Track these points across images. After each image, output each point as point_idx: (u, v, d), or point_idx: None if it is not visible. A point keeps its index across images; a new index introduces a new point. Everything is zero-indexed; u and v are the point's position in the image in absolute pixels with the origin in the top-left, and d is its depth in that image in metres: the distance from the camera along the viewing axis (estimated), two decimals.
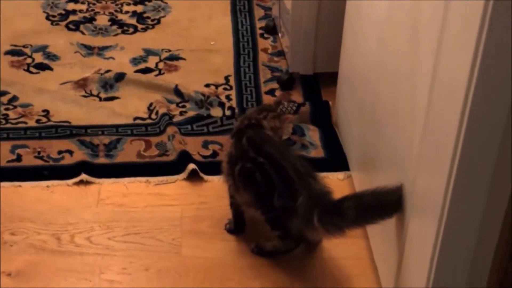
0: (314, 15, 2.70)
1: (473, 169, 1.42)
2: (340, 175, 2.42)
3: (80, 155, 2.49)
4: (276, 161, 2.02)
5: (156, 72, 2.93)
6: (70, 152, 2.50)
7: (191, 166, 2.41)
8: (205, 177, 2.41)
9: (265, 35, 3.17)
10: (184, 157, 2.46)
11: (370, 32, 2.10)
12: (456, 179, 1.43)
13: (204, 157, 2.51)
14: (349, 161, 2.43)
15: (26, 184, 2.38)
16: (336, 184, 2.35)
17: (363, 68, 2.22)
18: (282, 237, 2.08)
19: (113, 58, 3.01)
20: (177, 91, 2.80)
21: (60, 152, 2.50)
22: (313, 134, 2.60)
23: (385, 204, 1.82)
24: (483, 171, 1.43)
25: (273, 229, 2.08)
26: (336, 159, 2.48)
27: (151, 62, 2.99)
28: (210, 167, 2.44)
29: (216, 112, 2.72)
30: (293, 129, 2.60)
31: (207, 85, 2.85)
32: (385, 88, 1.97)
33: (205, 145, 2.56)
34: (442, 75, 1.48)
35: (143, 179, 2.42)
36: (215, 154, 2.52)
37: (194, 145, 2.55)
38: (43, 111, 2.70)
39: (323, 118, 2.67)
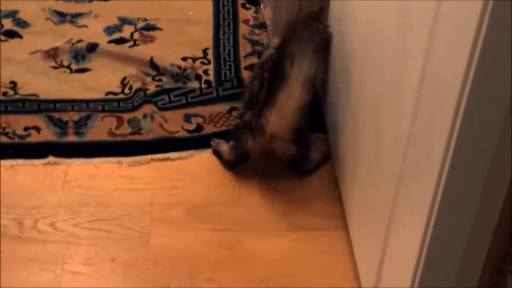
0: None
1: (465, 170, 1.33)
2: None
3: (47, 132, 2.36)
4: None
5: (131, 43, 2.79)
6: (38, 129, 2.37)
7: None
8: (192, 152, 2.33)
9: (247, 6, 3.02)
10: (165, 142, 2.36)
11: (355, 27, 2.00)
12: (447, 179, 1.34)
13: (189, 131, 2.39)
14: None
15: None
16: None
17: (345, 60, 2.11)
18: (232, 146, 2.21)
19: (86, 27, 2.87)
20: (152, 64, 2.67)
21: (26, 129, 2.37)
22: None
23: None
24: (476, 172, 1.34)
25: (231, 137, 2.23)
26: None
27: (126, 31, 2.85)
28: (197, 141, 2.37)
29: (193, 85, 2.59)
30: None
31: (184, 58, 2.72)
32: (369, 85, 1.86)
33: (187, 118, 2.44)
34: (433, 73, 1.38)
35: (115, 159, 2.30)
36: (200, 127, 2.41)
37: (175, 120, 2.43)
38: (11, 82, 2.56)
39: None
